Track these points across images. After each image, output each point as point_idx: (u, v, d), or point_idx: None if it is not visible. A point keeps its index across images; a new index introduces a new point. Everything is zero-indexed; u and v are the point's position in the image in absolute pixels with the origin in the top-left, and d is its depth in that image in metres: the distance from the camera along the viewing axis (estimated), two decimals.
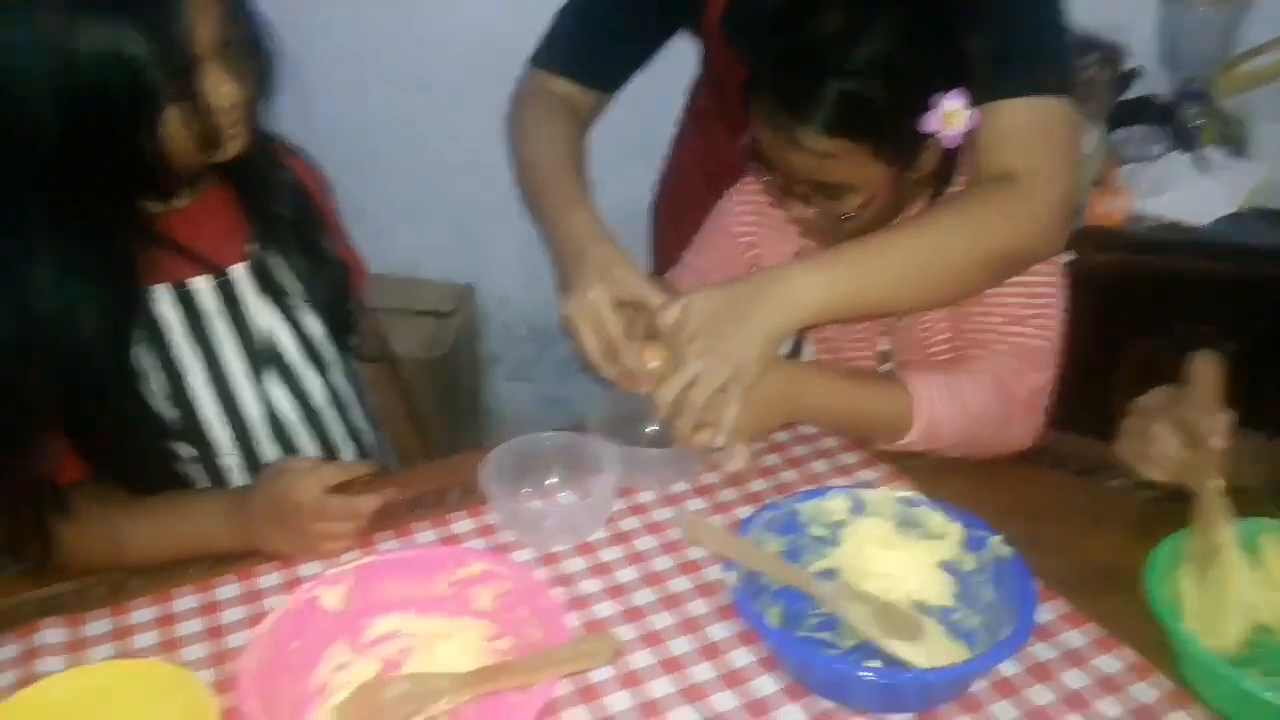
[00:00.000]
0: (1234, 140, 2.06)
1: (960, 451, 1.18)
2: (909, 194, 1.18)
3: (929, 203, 1.21)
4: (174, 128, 1.00)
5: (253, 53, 1.06)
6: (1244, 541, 0.94)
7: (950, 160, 1.15)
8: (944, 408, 1.15)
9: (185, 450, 1.16)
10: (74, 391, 1.05)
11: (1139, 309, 1.92)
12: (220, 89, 1.02)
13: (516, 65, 1.45)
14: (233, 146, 1.07)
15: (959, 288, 1.15)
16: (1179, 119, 2.08)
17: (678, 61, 1.55)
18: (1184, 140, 2.04)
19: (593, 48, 1.40)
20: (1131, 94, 2.12)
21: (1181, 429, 1.02)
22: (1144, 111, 2.09)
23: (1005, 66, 1.10)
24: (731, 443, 1.10)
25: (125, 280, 1.08)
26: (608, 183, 2.22)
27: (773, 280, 1.09)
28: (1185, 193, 1.93)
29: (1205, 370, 1.03)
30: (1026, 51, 1.13)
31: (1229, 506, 0.95)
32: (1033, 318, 1.19)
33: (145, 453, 1.12)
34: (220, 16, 1.00)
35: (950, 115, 1.07)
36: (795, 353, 1.34)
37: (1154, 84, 2.15)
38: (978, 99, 1.10)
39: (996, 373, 1.17)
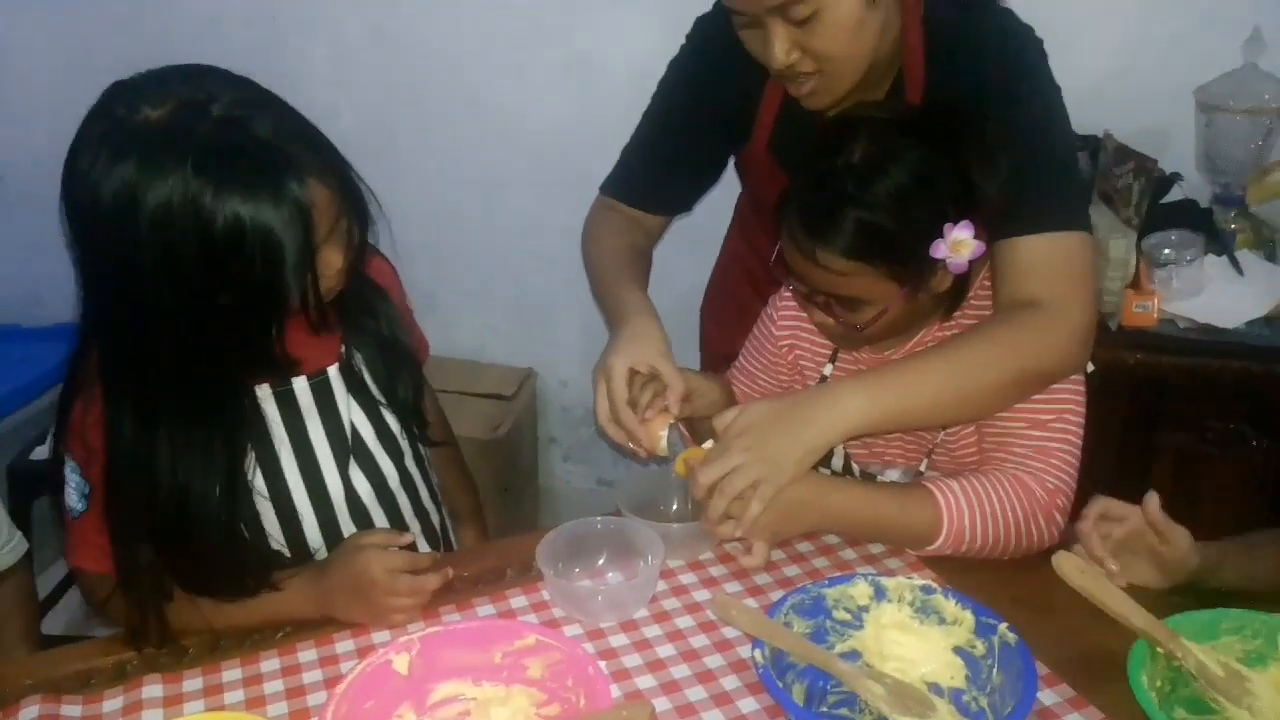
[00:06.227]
0: (1267, 244, 2.13)
1: (987, 554, 1.24)
2: (922, 310, 1.29)
3: (943, 319, 1.32)
4: (294, 305, 1.08)
5: (358, 224, 1.14)
6: (1206, 633, 1.02)
7: (962, 281, 1.26)
8: (970, 514, 1.21)
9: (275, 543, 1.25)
10: (185, 536, 1.14)
11: (1173, 408, 1.99)
12: (332, 265, 1.11)
13: (581, 167, 1.59)
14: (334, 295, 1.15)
15: (992, 403, 1.25)
16: (1216, 223, 2.16)
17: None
18: (1220, 244, 2.11)
19: (655, 180, 1.56)
20: (1172, 198, 2.21)
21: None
22: (1183, 215, 2.16)
23: (1025, 207, 1.22)
24: (751, 538, 1.19)
25: (237, 451, 1.17)
26: (671, 275, 2.35)
27: (824, 396, 1.20)
28: (1218, 295, 2.00)
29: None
30: (1043, 193, 1.24)
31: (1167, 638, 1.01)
32: (1053, 421, 1.27)
33: (239, 577, 1.19)
34: (338, 201, 1.09)
35: (958, 244, 1.17)
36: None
37: (1196, 189, 2.24)
38: (999, 235, 1.23)
39: (1018, 474, 1.24)
